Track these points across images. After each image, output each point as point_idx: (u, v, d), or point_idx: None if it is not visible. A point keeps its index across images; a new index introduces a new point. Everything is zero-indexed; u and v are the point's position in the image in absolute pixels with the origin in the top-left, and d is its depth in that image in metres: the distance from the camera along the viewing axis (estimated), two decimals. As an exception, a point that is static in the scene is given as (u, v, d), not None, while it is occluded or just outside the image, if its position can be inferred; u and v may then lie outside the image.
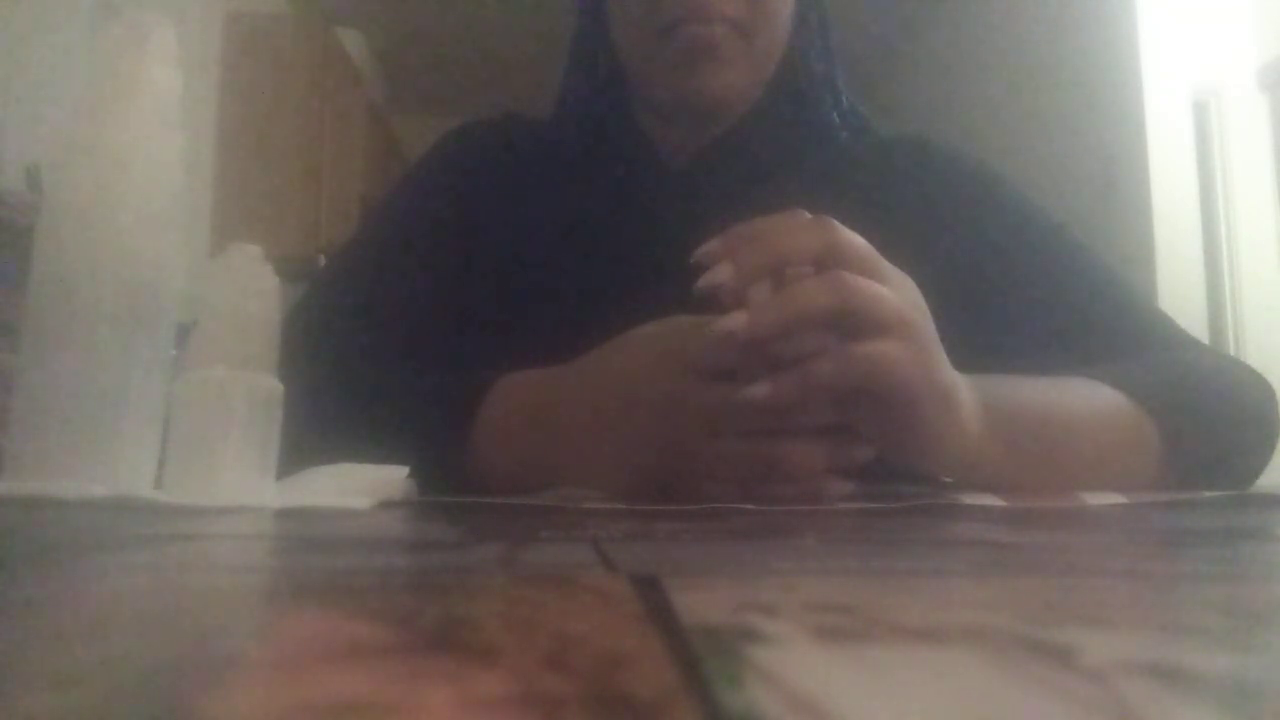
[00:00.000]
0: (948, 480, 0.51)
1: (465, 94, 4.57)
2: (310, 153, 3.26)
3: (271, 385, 0.44)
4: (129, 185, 0.42)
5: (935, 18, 3.83)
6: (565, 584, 0.18)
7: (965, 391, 0.47)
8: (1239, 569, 0.22)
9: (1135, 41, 2.71)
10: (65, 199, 0.43)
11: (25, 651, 0.12)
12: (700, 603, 0.15)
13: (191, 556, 0.24)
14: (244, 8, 3.19)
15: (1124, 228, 2.67)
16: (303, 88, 3.25)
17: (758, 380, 0.42)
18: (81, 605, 0.16)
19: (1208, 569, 0.22)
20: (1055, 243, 0.69)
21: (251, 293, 0.46)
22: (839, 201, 0.50)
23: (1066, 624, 0.14)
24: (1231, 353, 2.51)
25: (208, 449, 0.41)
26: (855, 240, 0.44)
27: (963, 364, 0.48)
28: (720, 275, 0.43)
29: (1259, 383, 0.61)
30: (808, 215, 0.44)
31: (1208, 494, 0.48)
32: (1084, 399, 0.53)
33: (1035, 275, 0.66)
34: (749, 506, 0.41)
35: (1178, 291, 2.52)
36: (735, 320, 0.41)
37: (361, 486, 0.42)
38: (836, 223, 0.44)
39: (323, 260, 2.86)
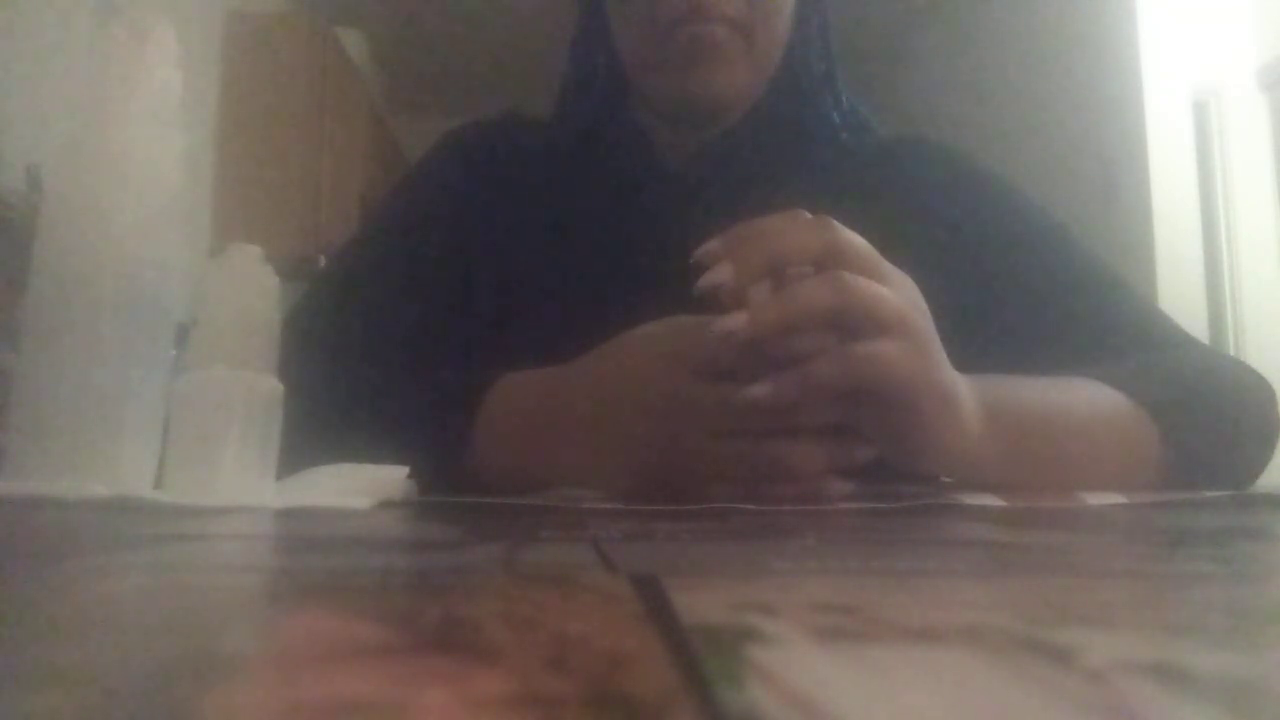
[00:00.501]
0: (948, 480, 0.51)
1: (465, 94, 4.57)
2: (310, 153, 3.26)
3: (271, 385, 0.44)
4: (129, 185, 0.42)
5: (935, 18, 3.83)
6: (565, 584, 0.18)
7: (966, 391, 0.46)
8: (1239, 569, 0.22)
9: (1135, 41, 2.71)
10: (65, 199, 0.43)
11: (25, 651, 0.12)
12: (700, 603, 0.15)
13: (191, 556, 0.24)
14: (244, 8, 3.19)
15: (1124, 228, 2.67)
16: (303, 88, 3.25)
17: (758, 380, 0.42)
18: (81, 605, 0.16)
19: (1208, 569, 0.22)
20: (1055, 243, 0.69)
21: (251, 293, 0.46)
22: (839, 201, 0.50)
23: (1066, 624, 0.14)
24: (1231, 353, 2.51)
25: (208, 449, 0.41)
26: (855, 240, 0.44)
27: (963, 364, 0.48)
28: (720, 275, 0.43)
29: (1259, 383, 0.61)
30: (807, 215, 0.44)
31: (1208, 494, 0.48)
32: (1084, 399, 0.53)
33: (1035, 275, 0.66)
34: (749, 506, 0.41)
35: (1178, 291, 2.52)
36: (735, 320, 0.41)
37: (361, 486, 0.42)
38: (836, 223, 0.44)
39: (323, 260, 2.86)
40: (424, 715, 0.09)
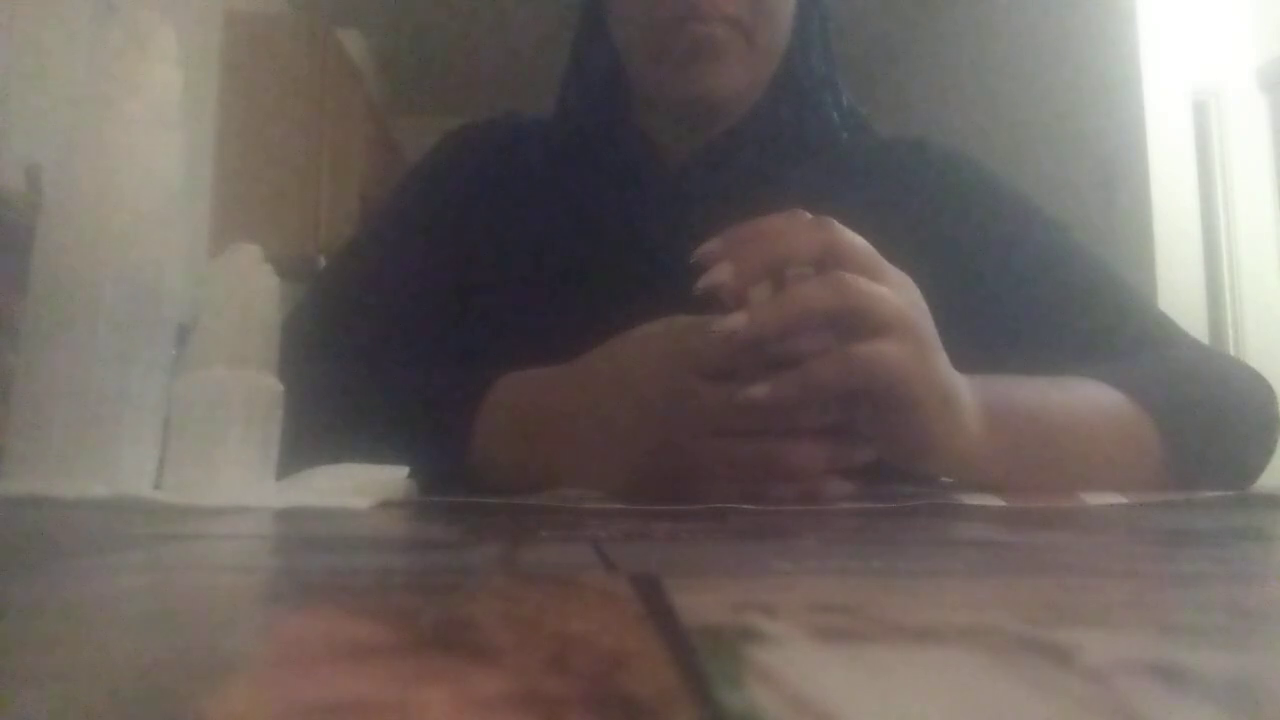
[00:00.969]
0: (948, 480, 0.51)
1: (465, 94, 4.57)
2: (310, 153, 3.26)
3: (271, 385, 0.44)
4: (129, 185, 0.42)
5: (935, 18, 3.83)
6: (565, 584, 0.18)
7: (966, 392, 0.47)
8: (1239, 569, 0.22)
9: (1135, 41, 2.71)
10: (65, 199, 0.43)
11: (25, 651, 0.12)
12: (700, 603, 0.15)
13: (191, 556, 0.24)
14: (244, 8, 3.19)
15: (1124, 228, 2.67)
16: (303, 88, 3.25)
17: (758, 380, 0.42)
18: (81, 605, 0.16)
19: (1208, 569, 0.22)
20: (1055, 244, 0.69)
21: (251, 293, 0.46)
22: (839, 202, 0.50)
23: (1066, 624, 0.14)
24: (1231, 353, 2.51)
25: (208, 449, 0.41)
26: (855, 240, 0.44)
27: (963, 365, 0.48)
28: (720, 275, 0.43)
29: (1259, 383, 0.61)
30: (807, 215, 0.44)
31: (1208, 494, 0.48)
32: (1085, 399, 0.53)
33: (1035, 276, 0.66)
34: (749, 506, 0.41)
35: (1178, 291, 2.52)
36: (736, 320, 0.41)
37: (361, 486, 0.42)
38: (837, 223, 0.44)
39: (323, 260, 2.86)
40: (424, 715, 0.09)
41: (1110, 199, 2.75)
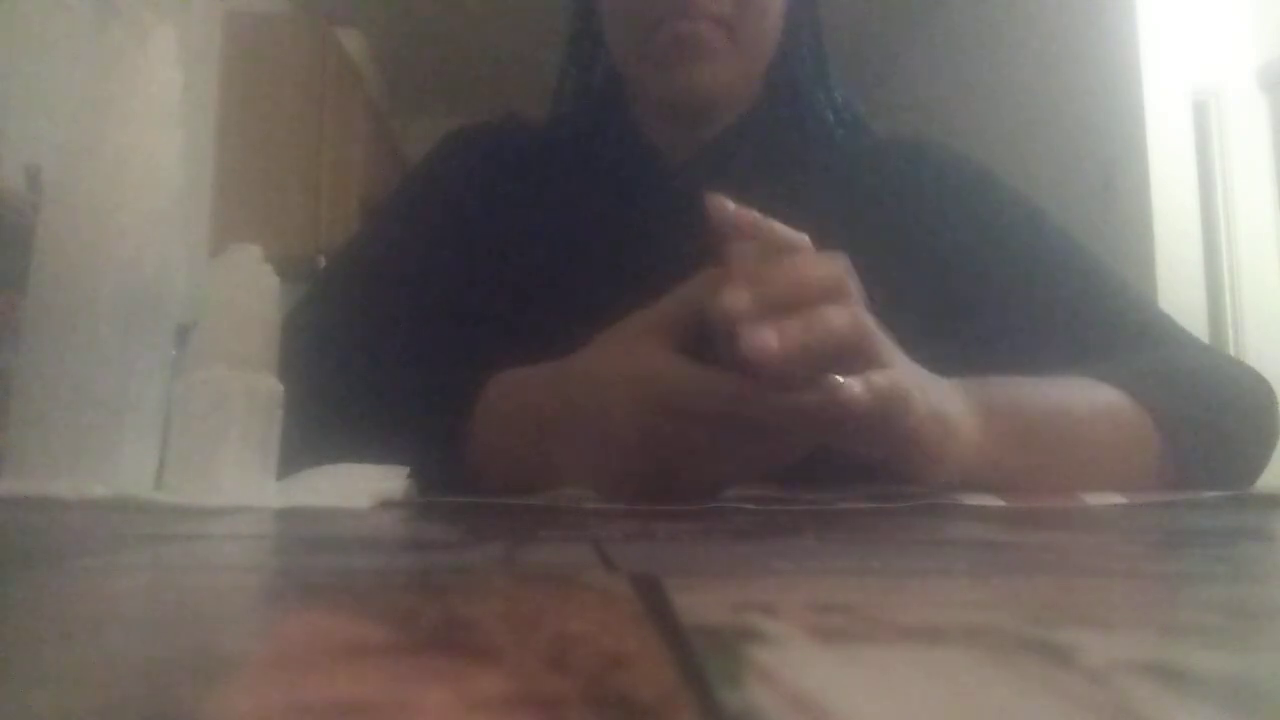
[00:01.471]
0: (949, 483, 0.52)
1: (465, 94, 4.57)
2: (310, 153, 3.26)
3: (271, 385, 0.44)
4: (129, 185, 0.42)
5: (935, 18, 3.83)
6: (565, 584, 0.18)
7: (960, 407, 0.47)
8: (1239, 569, 0.22)
9: (1135, 41, 2.71)
10: (65, 199, 0.43)
11: (25, 651, 0.12)
12: (700, 603, 0.15)
13: (191, 557, 0.24)
14: (244, 8, 3.19)
15: (1124, 228, 2.67)
16: (303, 88, 3.25)
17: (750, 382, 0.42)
18: (81, 605, 0.16)
19: (1208, 569, 0.22)
20: (1054, 243, 0.69)
21: (251, 293, 0.46)
22: (838, 202, 0.50)
23: (1066, 624, 0.14)
24: (1231, 353, 2.51)
25: (208, 449, 0.41)
26: (853, 279, 0.44)
27: (962, 364, 0.48)
28: (739, 304, 0.42)
29: (1259, 383, 0.61)
30: (832, 256, 0.44)
31: (1208, 494, 0.48)
32: (1084, 398, 0.53)
33: (1034, 275, 0.66)
34: (749, 506, 0.41)
35: (1178, 291, 2.52)
36: (738, 296, 0.41)
37: (361, 486, 0.42)
38: (845, 259, 0.44)
39: (323, 260, 2.85)
40: (424, 715, 0.09)
41: (1110, 199, 2.75)
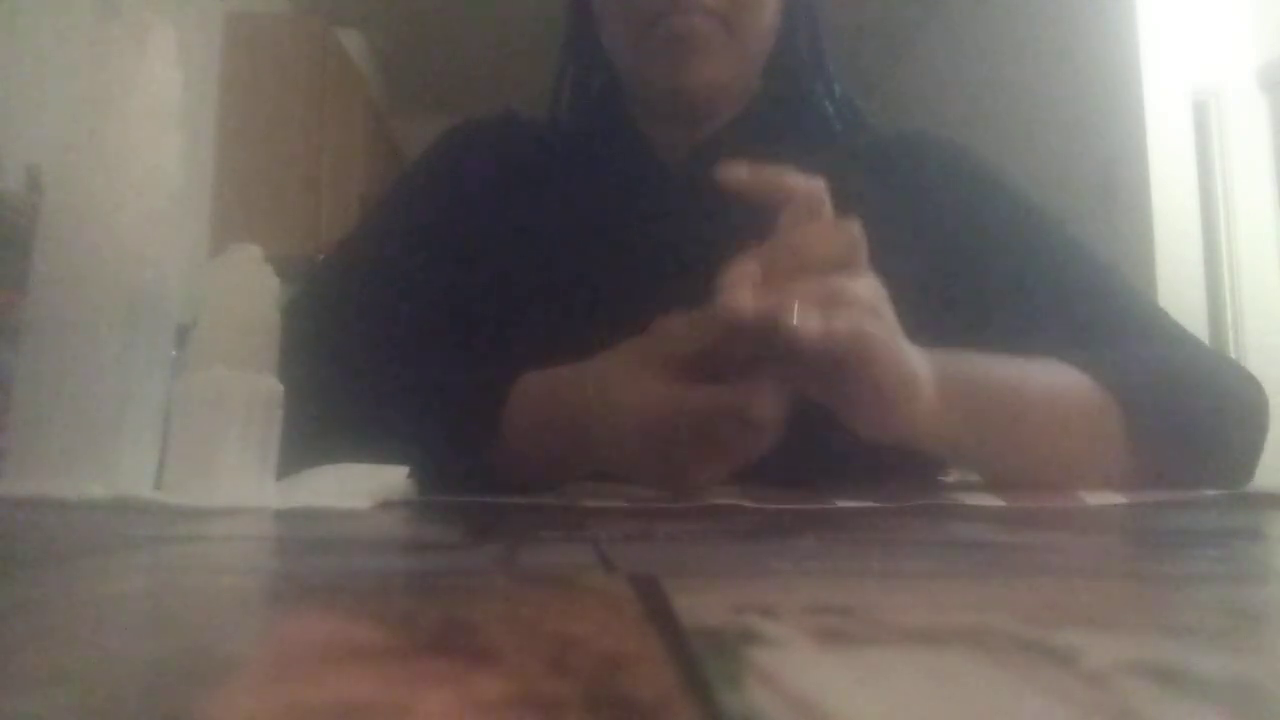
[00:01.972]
0: (925, 454, 0.52)
1: (465, 94, 4.57)
2: (310, 153, 3.26)
3: (271, 385, 0.44)
4: (129, 185, 0.42)
5: (935, 18, 3.83)
6: (565, 585, 0.18)
7: (924, 368, 0.48)
8: (1239, 569, 0.22)
9: (1135, 41, 2.71)
10: (65, 199, 0.43)
11: (25, 651, 0.12)
12: (700, 604, 0.15)
13: (191, 558, 0.24)
14: (244, 8, 3.19)
15: (1124, 228, 2.67)
16: (303, 88, 3.25)
17: (743, 383, 0.43)
18: (81, 606, 0.16)
19: (1208, 569, 0.22)
20: (1052, 237, 0.69)
21: (251, 293, 0.46)
22: (836, 196, 0.50)
23: (1066, 625, 0.14)
24: (1231, 353, 2.51)
25: (208, 449, 0.41)
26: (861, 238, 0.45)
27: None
28: (744, 298, 0.43)
29: (1248, 382, 0.61)
30: (841, 225, 0.45)
31: (1207, 493, 0.48)
32: (1046, 378, 0.54)
33: (1031, 268, 0.66)
34: (749, 504, 0.41)
35: (1178, 291, 2.52)
36: (741, 298, 0.42)
37: (361, 487, 0.42)
38: (856, 226, 0.45)
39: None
40: (424, 717, 0.09)
41: (1110, 199, 2.75)
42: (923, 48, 4.00)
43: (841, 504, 0.43)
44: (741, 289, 0.42)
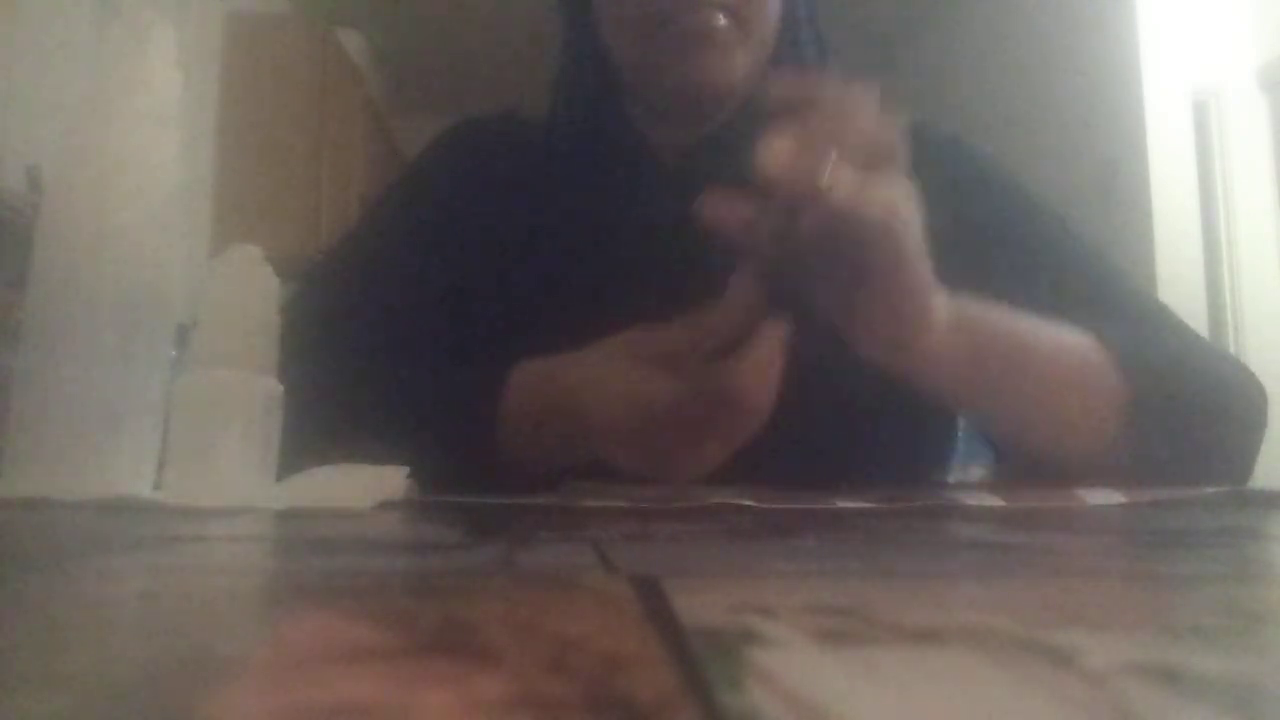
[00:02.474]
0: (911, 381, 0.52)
1: (465, 94, 4.57)
2: (310, 153, 3.26)
3: (271, 386, 0.44)
4: (129, 185, 0.42)
5: (935, 17, 3.83)
6: (565, 585, 0.18)
7: (940, 296, 0.47)
8: (1239, 569, 0.22)
9: (1135, 41, 2.71)
10: (65, 199, 0.43)
11: (25, 652, 0.12)
12: (700, 604, 0.15)
13: (191, 558, 0.24)
14: (244, 8, 3.19)
15: (1124, 228, 2.67)
16: (303, 88, 3.25)
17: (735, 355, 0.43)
18: (81, 606, 0.16)
19: (1208, 569, 0.22)
20: (1054, 230, 0.69)
21: (251, 293, 0.46)
22: None
23: (1067, 625, 0.14)
24: (1231, 353, 2.51)
25: (207, 450, 0.41)
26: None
27: None
28: (782, 156, 0.42)
29: (1250, 381, 0.61)
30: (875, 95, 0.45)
31: (1208, 491, 0.48)
32: (1057, 337, 0.54)
33: (1033, 259, 0.66)
34: (749, 503, 0.41)
35: (1178, 291, 2.52)
36: (780, 149, 0.41)
37: (361, 487, 0.41)
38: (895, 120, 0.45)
39: (322, 260, 2.85)
40: (424, 717, 0.09)
41: (1110, 199, 2.75)
42: (923, 48, 4.00)
43: (841, 504, 0.43)
44: (777, 147, 0.40)
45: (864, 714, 0.09)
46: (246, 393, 0.42)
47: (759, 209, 0.43)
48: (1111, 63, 2.79)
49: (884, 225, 0.42)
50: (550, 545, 0.26)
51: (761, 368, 0.44)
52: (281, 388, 0.44)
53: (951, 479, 0.74)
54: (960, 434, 0.74)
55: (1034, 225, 0.69)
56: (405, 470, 0.45)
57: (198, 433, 0.41)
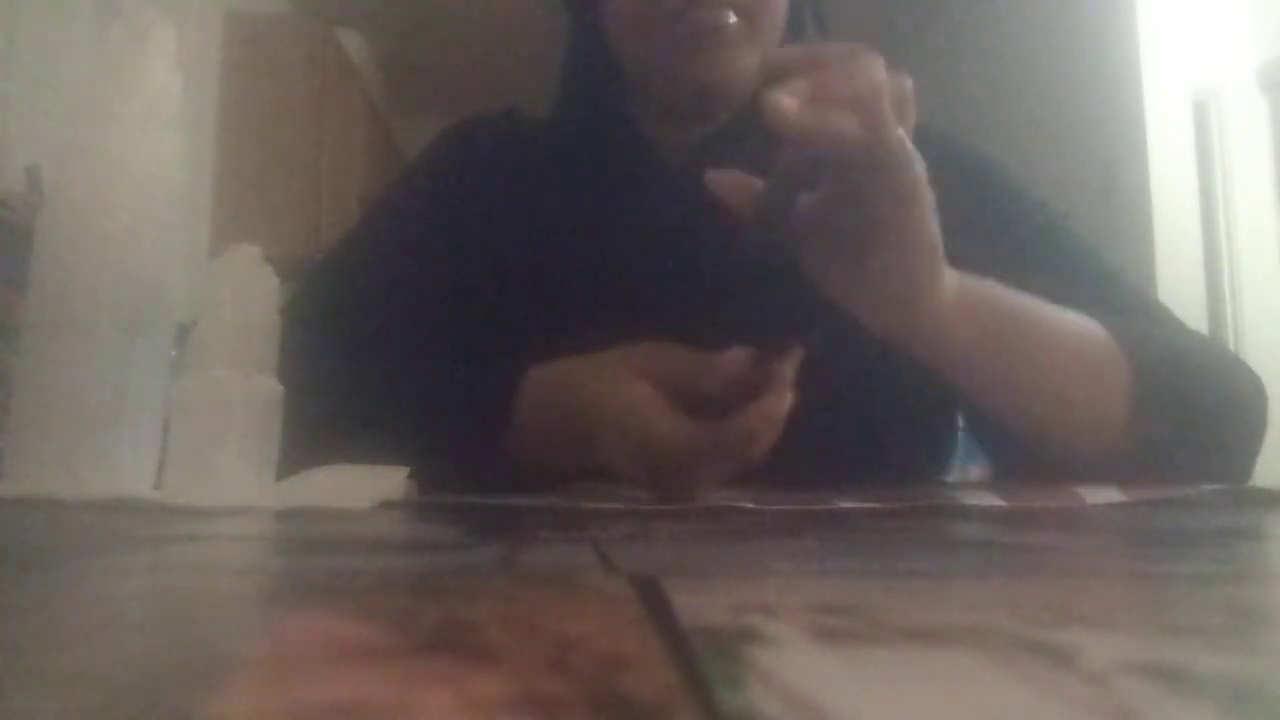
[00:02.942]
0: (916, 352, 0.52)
1: (465, 94, 4.56)
2: (310, 153, 3.26)
3: (271, 386, 0.44)
4: (129, 185, 0.42)
5: (936, 18, 3.83)
6: (565, 585, 0.18)
7: (948, 268, 0.47)
8: (1239, 569, 0.22)
9: (1135, 41, 2.70)
10: (65, 199, 0.43)
11: (25, 651, 0.12)
12: (700, 604, 0.15)
13: (191, 558, 0.24)
14: (244, 8, 3.19)
15: (1124, 228, 2.67)
16: (303, 88, 3.25)
17: (732, 418, 0.43)
18: (82, 606, 0.16)
19: (1208, 569, 0.22)
20: (1054, 229, 0.69)
21: (251, 293, 0.46)
22: None
23: (1066, 625, 0.14)
24: (1231, 350, 2.51)
25: (207, 450, 0.41)
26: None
27: None
28: (788, 104, 0.43)
29: (1251, 380, 0.61)
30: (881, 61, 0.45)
31: (1207, 489, 0.48)
32: (1062, 315, 0.54)
33: (1034, 259, 0.66)
34: (749, 505, 0.41)
35: (1178, 291, 2.51)
36: (788, 101, 0.42)
37: (361, 487, 0.41)
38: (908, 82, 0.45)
39: (322, 260, 2.85)
40: (424, 717, 0.09)
41: (1110, 199, 2.75)
42: (923, 48, 4.00)
43: (842, 504, 0.43)
44: (787, 93, 0.41)
45: (864, 713, 0.09)
46: (246, 393, 0.42)
47: (770, 180, 0.43)
48: (1111, 63, 2.79)
49: (898, 176, 0.42)
50: (550, 545, 0.26)
51: (765, 424, 0.45)
52: (281, 388, 0.44)
53: (951, 479, 0.74)
54: (960, 434, 0.74)
55: (1034, 225, 0.69)
56: (405, 470, 0.45)
57: (198, 433, 0.41)
